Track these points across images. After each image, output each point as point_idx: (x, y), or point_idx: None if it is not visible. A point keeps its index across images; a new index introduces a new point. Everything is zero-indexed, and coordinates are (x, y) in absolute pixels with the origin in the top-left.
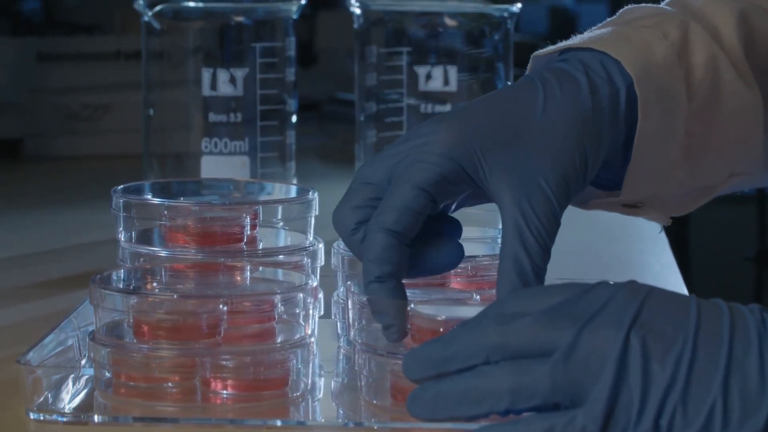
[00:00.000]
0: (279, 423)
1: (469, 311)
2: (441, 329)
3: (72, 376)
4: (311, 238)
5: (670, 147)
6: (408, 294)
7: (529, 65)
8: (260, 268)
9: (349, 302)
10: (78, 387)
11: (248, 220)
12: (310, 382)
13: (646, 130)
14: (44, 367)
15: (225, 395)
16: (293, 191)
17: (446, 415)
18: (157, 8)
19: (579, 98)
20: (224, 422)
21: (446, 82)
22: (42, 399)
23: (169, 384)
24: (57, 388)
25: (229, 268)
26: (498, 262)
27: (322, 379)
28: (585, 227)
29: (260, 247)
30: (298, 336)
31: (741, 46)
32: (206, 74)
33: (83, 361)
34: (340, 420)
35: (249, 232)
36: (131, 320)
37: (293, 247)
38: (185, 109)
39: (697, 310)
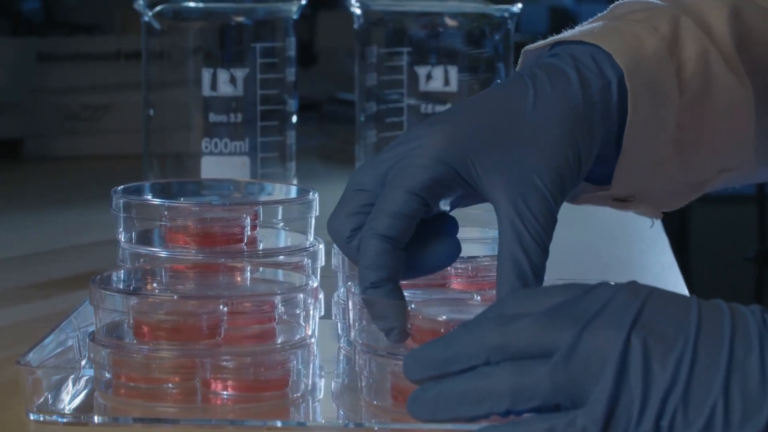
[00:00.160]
0: (279, 424)
1: (470, 312)
2: (442, 330)
3: (72, 376)
4: (311, 239)
5: (661, 141)
6: (409, 295)
7: (519, 60)
8: (260, 269)
9: (350, 303)
10: (78, 388)
11: (248, 220)
12: (310, 382)
13: (636, 123)
14: (44, 367)
15: (225, 396)
16: (293, 192)
17: (447, 416)
18: (157, 8)
19: (569, 93)
20: (224, 423)
21: (447, 82)
22: (42, 400)
23: (170, 385)
24: (57, 388)
25: (229, 269)
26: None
27: (323, 379)
28: (585, 227)
29: (260, 247)
30: (298, 337)
31: (733, 41)
32: (206, 74)
33: (83, 362)
34: (341, 421)
35: (249, 233)
36: (131, 321)
37: (294, 247)
38: (185, 109)
39: (698, 311)
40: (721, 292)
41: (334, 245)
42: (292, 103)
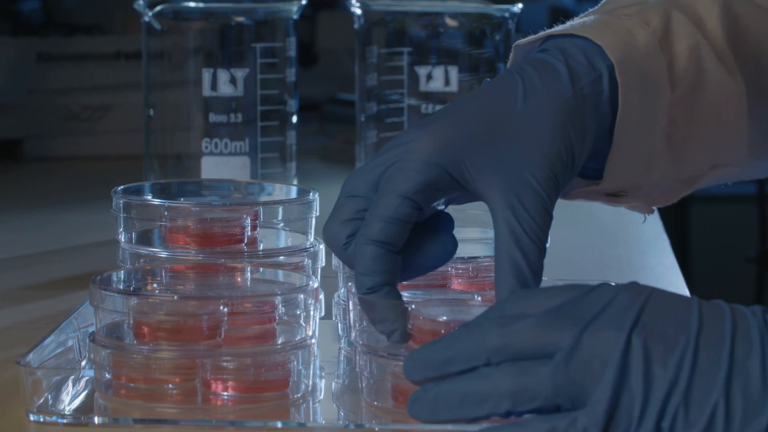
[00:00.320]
0: (279, 424)
1: (471, 312)
2: (442, 330)
3: (72, 377)
4: (312, 239)
5: (652, 135)
6: (409, 295)
7: (510, 55)
8: (261, 269)
9: (350, 303)
10: (78, 388)
11: (249, 221)
12: (310, 383)
13: (628, 117)
14: (44, 368)
15: (225, 397)
16: (294, 192)
17: (447, 417)
18: (158, 9)
19: (559, 87)
20: (225, 424)
21: (447, 82)
22: (42, 400)
23: (170, 385)
24: (57, 389)
25: (229, 269)
26: None
27: (323, 380)
28: (586, 228)
29: (261, 248)
30: (298, 337)
31: (725, 36)
32: (207, 75)
33: (83, 363)
34: (341, 421)
35: (249, 233)
36: (131, 321)
37: (294, 248)
38: (185, 109)
39: (699, 312)
40: (722, 293)
41: None
42: (293, 104)
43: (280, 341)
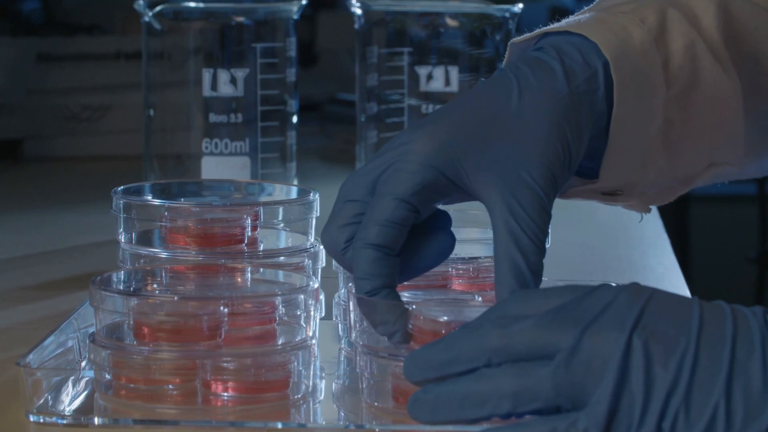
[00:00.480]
0: (280, 425)
1: (471, 313)
2: (443, 331)
3: (72, 378)
4: (312, 240)
5: (648, 134)
6: (410, 295)
7: (506, 54)
8: (261, 270)
9: (351, 304)
10: (78, 389)
11: (249, 221)
12: (311, 384)
13: (623, 115)
14: (44, 369)
15: (226, 397)
16: (294, 192)
17: (447, 418)
18: (158, 9)
19: (554, 85)
20: (225, 425)
21: (447, 82)
22: (42, 401)
23: (170, 386)
24: (57, 390)
25: (229, 270)
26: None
27: (323, 381)
28: (587, 228)
29: (261, 248)
30: (299, 338)
31: (720, 34)
32: (207, 75)
33: (83, 363)
34: (341, 422)
35: (250, 234)
36: (131, 322)
37: (294, 248)
38: (186, 109)
39: (700, 313)
40: (723, 293)
41: None
42: (293, 104)
43: (280, 342)
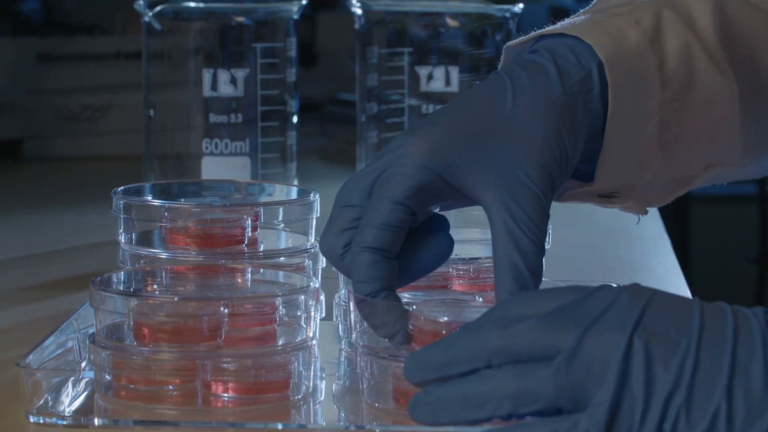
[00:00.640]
0: (280, 426)
1: (472, 314)
2: (443, 331)
3: (72, 378)
4: (312, 240)
5: (644, 135)
6: (410, 296)
7: (501, 57)
8: (261, 270)
9: (351, 304)
10: (78, 390)
11: (249, 221)
12: (311, 384)
13: (618, 117)
14: (44, 369)
15: (226, 398)
16: (294, 193)
17: (448, 419)
18: (158, 9)
19: (548, 86)
20: (225, 425)
21: (448, 82)
22: (42, 402)
23: (170, 387)
24: (57, 391)
25: (230, 270)
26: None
27: (324, 381)
28: (587, 229)
29: (261, 248)
30: (299, 338)
31: (716, 35)
32: (207, 75)
33: (83, 364)
34: (342, 423)
35: (250, 234)
36: (132, 323)
37: (294, 249)
38: (186, 109)
39: (701, 314)
40: (723, 294)
41: None
42: (293, 104)
43: (280, 342)
